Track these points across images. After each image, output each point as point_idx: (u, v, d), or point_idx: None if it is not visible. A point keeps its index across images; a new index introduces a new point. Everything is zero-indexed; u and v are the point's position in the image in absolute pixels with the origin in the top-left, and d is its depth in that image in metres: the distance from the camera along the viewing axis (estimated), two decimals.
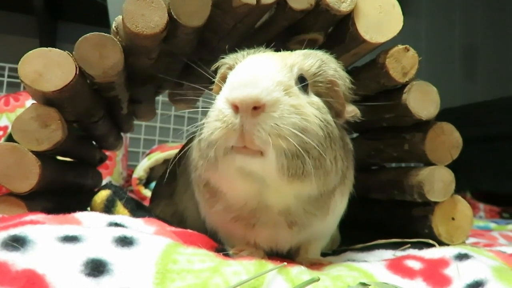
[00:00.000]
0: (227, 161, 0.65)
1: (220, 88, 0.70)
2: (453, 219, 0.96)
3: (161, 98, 2.81)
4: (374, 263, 0.73)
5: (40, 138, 0.79)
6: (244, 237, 0.75)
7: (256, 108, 0.61)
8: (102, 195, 0.92)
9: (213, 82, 0.79)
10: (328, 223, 0.80)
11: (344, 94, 0.75)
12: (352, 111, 0.76)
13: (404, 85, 0.92)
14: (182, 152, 0.83)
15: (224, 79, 0.73)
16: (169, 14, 0.79)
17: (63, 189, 1.02)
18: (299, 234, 0.75)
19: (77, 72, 0.79)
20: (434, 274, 0.67)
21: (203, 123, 0.69)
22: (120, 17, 0.81)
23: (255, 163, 0.64)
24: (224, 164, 0.66)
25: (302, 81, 0.71)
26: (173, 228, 0.77)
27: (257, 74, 0.64)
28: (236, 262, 0.59)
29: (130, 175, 2.53)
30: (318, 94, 0.73)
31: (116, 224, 0.72)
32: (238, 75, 0.65)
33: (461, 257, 0.71)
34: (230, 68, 0.75)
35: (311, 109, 0.67)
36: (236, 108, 0.62)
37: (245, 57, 0.75)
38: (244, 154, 0.63)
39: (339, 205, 0.81)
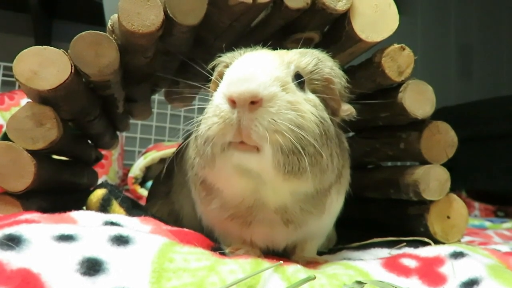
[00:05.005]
0: (225, 157, 0.65)
1: (217, 86, 0.70)
2: (448, 217, 0.97)
3: (157, 97, 2.80)
4: (370, 262, 0.73)
5: (35, 137, 0.78)
6: (240, 235, 0.75)
7: (254, 102, 0.61)
8: (98, 194, 0.92)
9: (210, 80, 0.79)
10: (324, 221, 0.80)
11: (340, 93, 0.75)
12: (347, 109, 0.76)
13: (400, 84, 0.93)
14: (178, 151, 0.82)
15: (221, 76, 0.73)
16: (165, 13, 0.79)
17: (58, 188, 1.02)
18: (295, 232, 0.75)
19: (73, 71, 0.78)
20: (430, 272, 0.68)
21: (200, 120, 0.69)
22: (116, 15, 0.80)
23: (251, 160, 0.64)
24: (221, 161, 0.66)
25: (299, 79, 0.71)
26: (169, 227, 0.77)
27: (254, 69, 0.64)
28: (232, 261, 0.59)
29: (126, 174, 2.53)
30: (314, 92, 0.73)
31: (112, 223, 0.72)
32: (235, 70, 0.65)
33: (456, 255, 0.72)
34: (227, 66, 0.75)
35: (307, 105, 0.67)
36: (233, 103, 0.62)
37: (242, 55, 0.75)
38: (241, 150, 0.63)
39: (335, 204, 0.81)
